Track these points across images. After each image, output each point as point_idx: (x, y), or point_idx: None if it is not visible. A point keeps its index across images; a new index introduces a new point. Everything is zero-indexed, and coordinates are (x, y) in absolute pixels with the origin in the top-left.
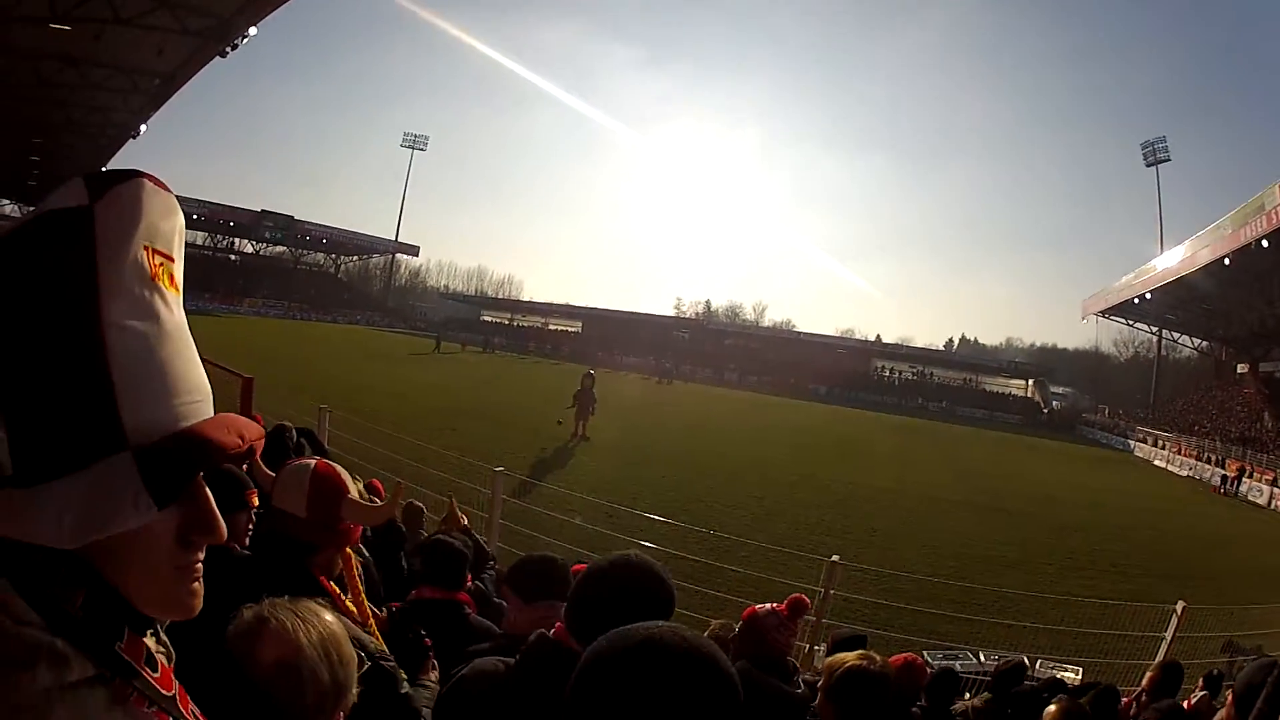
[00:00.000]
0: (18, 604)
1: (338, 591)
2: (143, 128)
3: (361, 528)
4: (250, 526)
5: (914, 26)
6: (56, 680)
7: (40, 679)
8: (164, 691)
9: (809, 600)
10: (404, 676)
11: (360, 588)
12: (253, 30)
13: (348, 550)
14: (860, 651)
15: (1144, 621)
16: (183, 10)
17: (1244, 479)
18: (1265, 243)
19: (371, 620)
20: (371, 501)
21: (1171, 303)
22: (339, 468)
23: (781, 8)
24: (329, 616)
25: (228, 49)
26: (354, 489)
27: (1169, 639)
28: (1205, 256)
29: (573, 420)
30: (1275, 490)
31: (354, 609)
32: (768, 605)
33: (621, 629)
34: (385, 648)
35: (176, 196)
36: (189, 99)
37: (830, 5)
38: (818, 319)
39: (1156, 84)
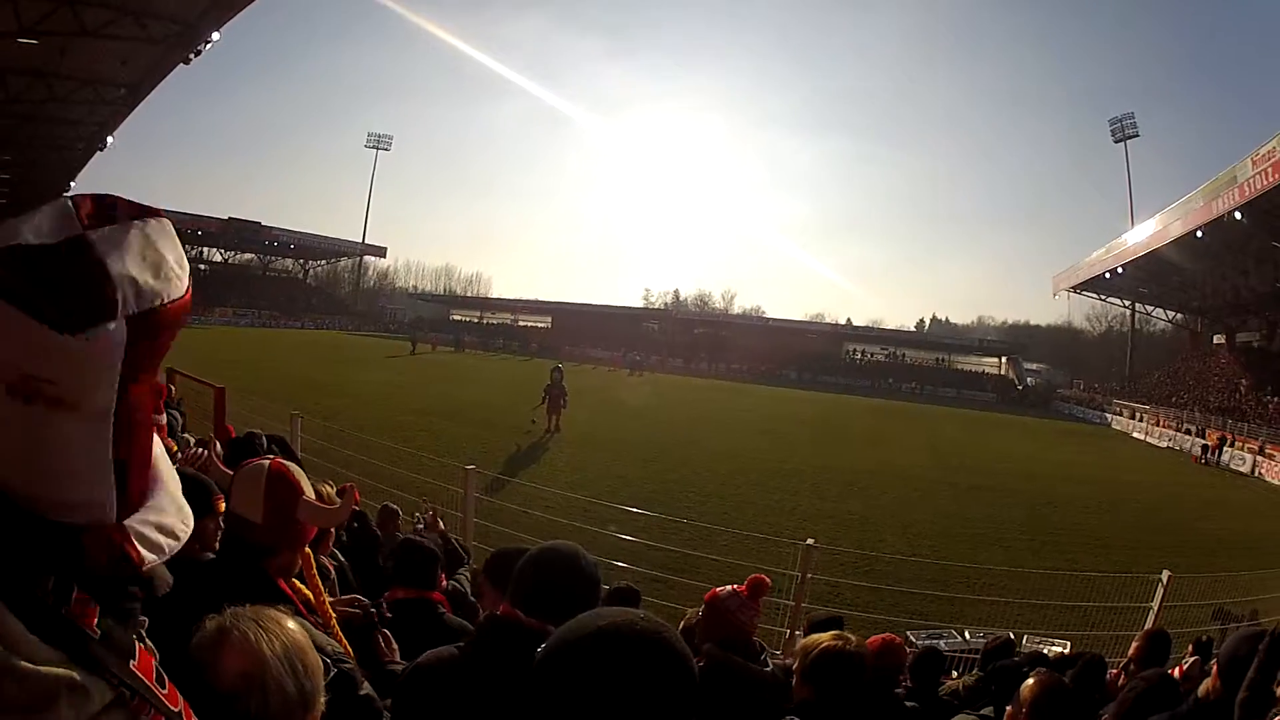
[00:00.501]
0: (28, 641)
1: (301, 589)
2: (109, 139)
3: (320, 529)
4: (219, 532)
5: (882, 5)
6: (78, 715)
7: (63, 718)
8: (173, 708)
9: (769, 580)
10: (363, 677)
11: (321, 587)
12: (215, 35)
13: (307, 550)
14: (834, 632)
15: (1130, 593)
16: (147, 18)
17: (1225, 448)
18: (1239, 214)
19: (334, 621)
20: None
21: (1144, 276)
22: (294, 468)
23: None
24: (292, 624)
25: (191, 55)
26: (309, 489)
27: (1156, 609)
28: (1177, 229)
29: (544, 415)
30: (1259, 458)
31: (316, 608)
32: (729, 587)
33: (582, 616)
34: (347, 648)
35: (145, 207)
36: (153, 108)
37: None
38: (788, 304)
39: (1124, 60)
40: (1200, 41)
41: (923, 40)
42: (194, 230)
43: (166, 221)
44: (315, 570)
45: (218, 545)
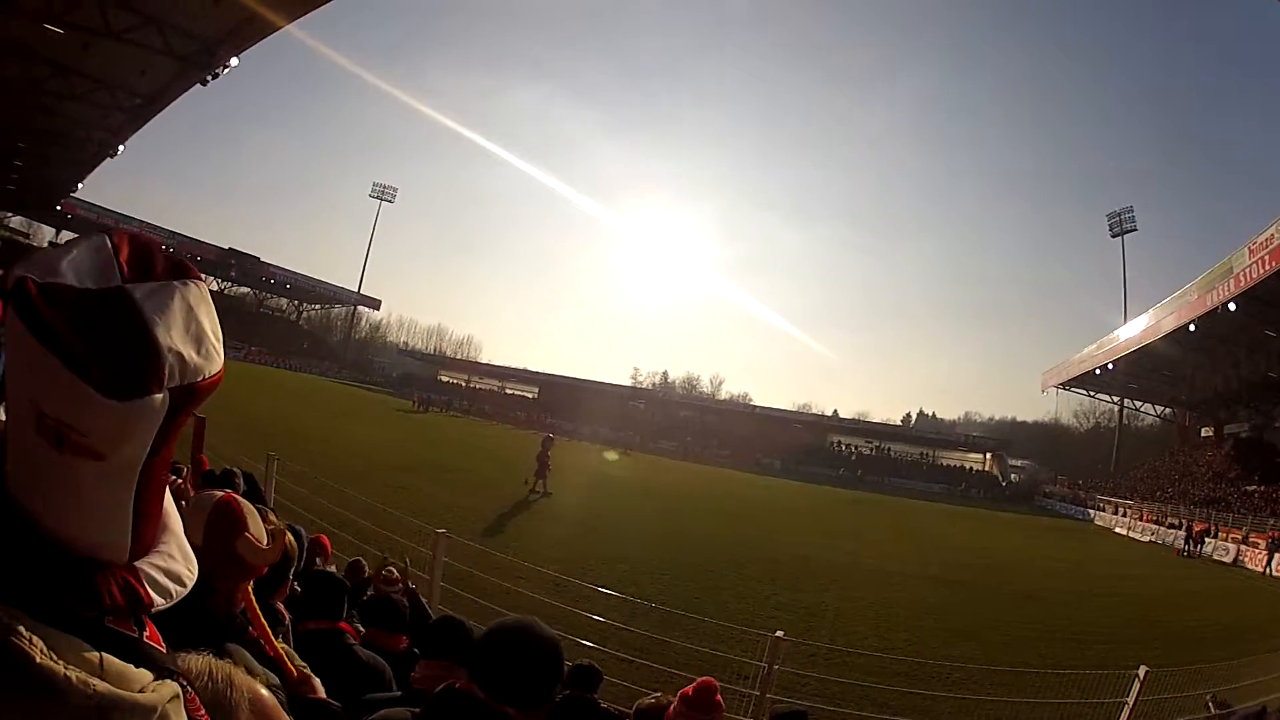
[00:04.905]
0: (133, 673)
1: (258, 622)
2: (120, 148)
3: (274, 571)
4: None
5: (878, 97)
6: (180, 714)
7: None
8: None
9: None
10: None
11: (264, 623)
12: (234, 61)
13: (249, 591)
14: None
15: (1106, 689)
16: (170, 31)
17: (1206, 539)
18: (1232, 305)
19: (279, 653)
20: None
21: (1134, 371)
22: (245, 505)
23: (749, 79)
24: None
25: (209, 77)
26: (257, 527)
27: (1131, 704)
28: (1170, 324)
29: (533, 478)
30: (1242, 547)
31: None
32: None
33: None
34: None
35: (147, 223)
36: (165, 123)
37: (796, 77)
38: (775, 393)
39: (1124, 153)
40: (1201, 133)
41: (919, 129)
42: (192, 256)
43: (204, 285)
44: (258, 612)
45: None
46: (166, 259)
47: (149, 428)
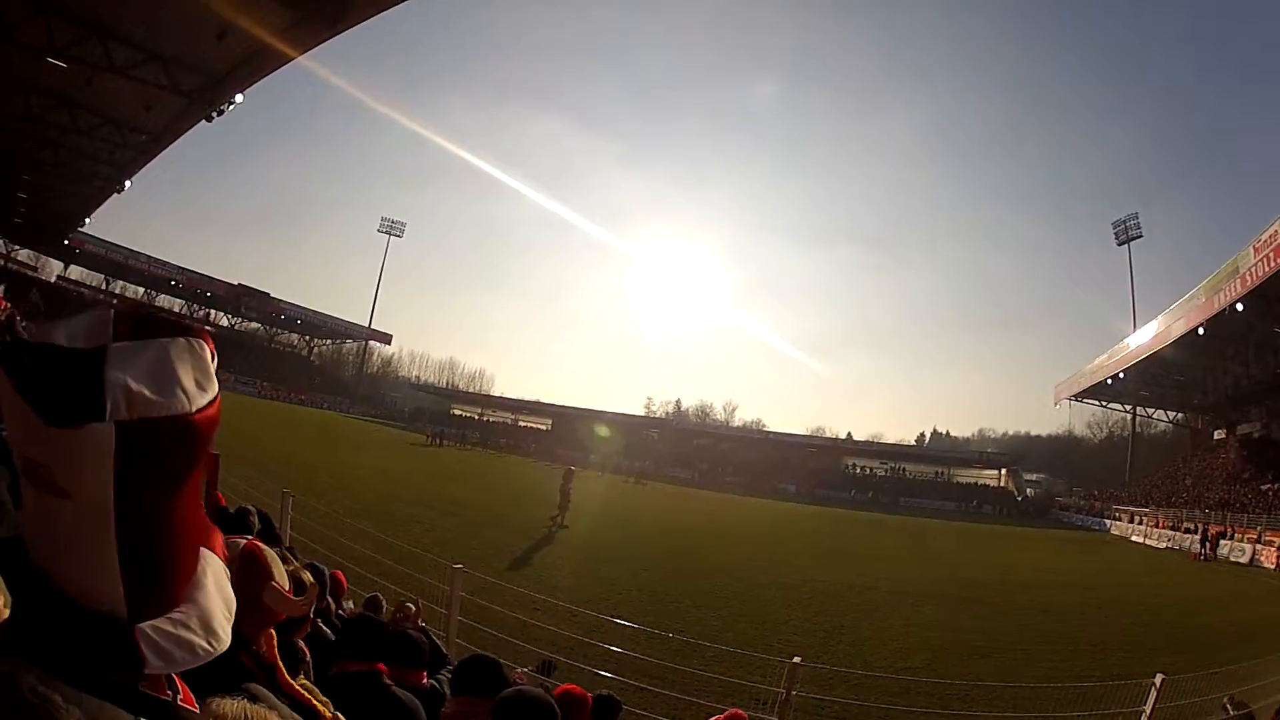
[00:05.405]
0: None
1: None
2: (128, 183)
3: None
4: None
5: (882, 116)
6: None
7: None
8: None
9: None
10: None
11: (279, 662)
12: (239, 98)
13: (271, 633)
14: None
15: (1124, 698)
16: (174, 66)
17: (1222, 541)
18: (1240, 306)
19: (297, 690)
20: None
21: (1145, 379)
22: (268, 551)
23: (754, 106)
24: None
25: (214, 114)
26: (280, 574)
27: (1148, 711)
28: (1179, 329)
29: (556, 509)
30: (1257, 547)
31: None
32: None
33: None
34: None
35: (156, 258)
36: (174, 160)
37: (801, 99)
38: (789, 417)
39: (1126, 159)
40: (1202, 134)
41: (922, 150)
42: (204, 291)
43: (200, 341)
44: (275, 650)
45: None
46: (170, 324)
47: (98, 460)
